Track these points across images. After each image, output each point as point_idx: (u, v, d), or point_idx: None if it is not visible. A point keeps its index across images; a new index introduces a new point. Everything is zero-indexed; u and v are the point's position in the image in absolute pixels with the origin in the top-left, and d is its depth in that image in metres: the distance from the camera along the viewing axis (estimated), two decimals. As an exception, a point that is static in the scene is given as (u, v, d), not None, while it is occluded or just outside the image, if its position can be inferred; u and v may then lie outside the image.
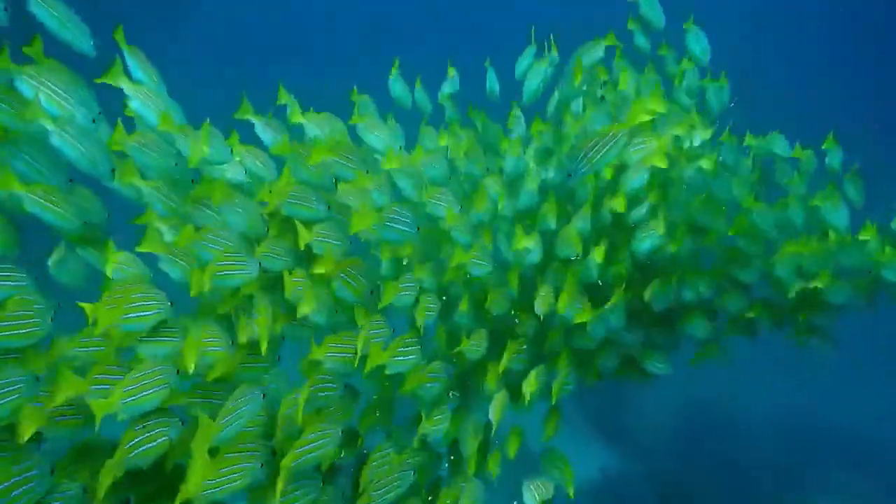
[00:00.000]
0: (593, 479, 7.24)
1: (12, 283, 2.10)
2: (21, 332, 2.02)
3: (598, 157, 2.76)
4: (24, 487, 1.82)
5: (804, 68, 15.21)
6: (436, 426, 2.80)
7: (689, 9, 3.77)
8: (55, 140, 2.24)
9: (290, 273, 2.54)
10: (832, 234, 3.38)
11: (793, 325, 3.84)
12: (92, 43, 2.41)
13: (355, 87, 3.36)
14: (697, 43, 3.72)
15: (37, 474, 1.87)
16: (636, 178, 3.09)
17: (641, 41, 3.82)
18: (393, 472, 2.58)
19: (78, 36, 2.38)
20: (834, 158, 3.89)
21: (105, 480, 1.97)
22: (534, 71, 3.52)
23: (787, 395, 8.57)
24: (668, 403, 8.02)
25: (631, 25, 3.79)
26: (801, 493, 7.32)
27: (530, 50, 3.63)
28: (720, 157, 3.58)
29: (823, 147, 3.88)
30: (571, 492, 3.10)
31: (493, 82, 3.78)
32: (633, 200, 3.28)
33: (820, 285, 3.33)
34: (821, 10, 15.67)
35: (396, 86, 3.62)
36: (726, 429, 8.02)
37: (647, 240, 3.20)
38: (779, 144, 3.87)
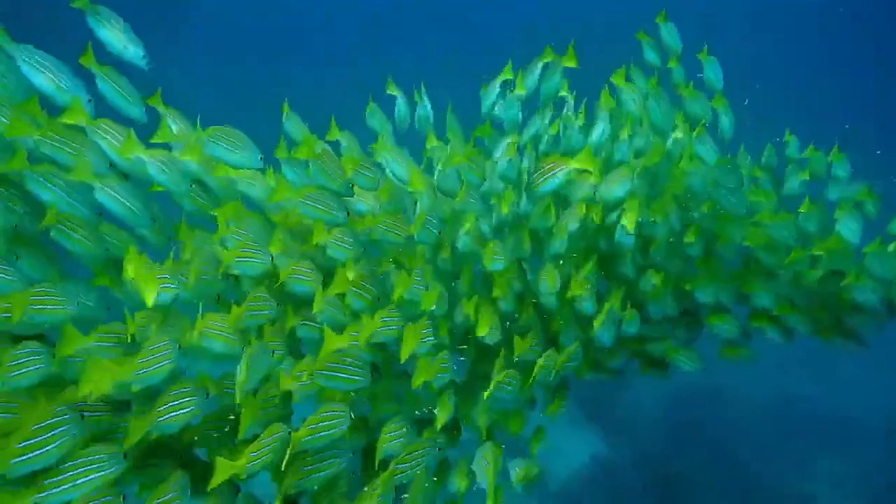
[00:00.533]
0: (585, 466, 7.27)
1: (8, 277, 2.23)
2: (48, 307, 2.17)
3: (540, 182, 3.03)
4: (59, 430, 1.93)
5: (804, 67, 15.23)
6: (445, 413, 2.87)
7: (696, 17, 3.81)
8: (99, 194, 2.43)
9: (293, 265, 2.62)
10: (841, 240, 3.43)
11: (821, 324, 3.79)
12: (144, 110, 2.67)
13: (371, 99, 3.40)
14: (713, 71, 3.83)
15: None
16: (615, 190, 3.18)
17: (651, 56, 3.83)
18: (417, 448, 2.67)
19: (132, 105, 2.64)
20: (840, 169, 3.89)
21: (133, 436, 2.07)
22: (510, 101, 3.52)
23: (777, 383, 8.64)
24: (659, 390, 8.06)
25: (640, 37, 3.82)
26: (787, 478, 7.39)
27: (495, 85, 3.59)
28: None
29: (830, 159, 3.87)
30: (533, 451, 3.23)
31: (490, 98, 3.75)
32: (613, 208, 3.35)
33: (851, 281, 3.34)
34: (821, 8, 15.69)
35: (400, 107, 3.62)
36: (715, 415, 8.08)
37: (621, 233, 3.20)
38: (791, 146, 3.89)
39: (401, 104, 3.58)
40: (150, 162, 2.53)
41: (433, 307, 2.88)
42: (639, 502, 6.73)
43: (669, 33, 3.79)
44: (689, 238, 3.40)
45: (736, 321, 3.66)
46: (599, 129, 3.46)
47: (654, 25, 3.83)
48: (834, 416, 8.41)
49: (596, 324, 3.20)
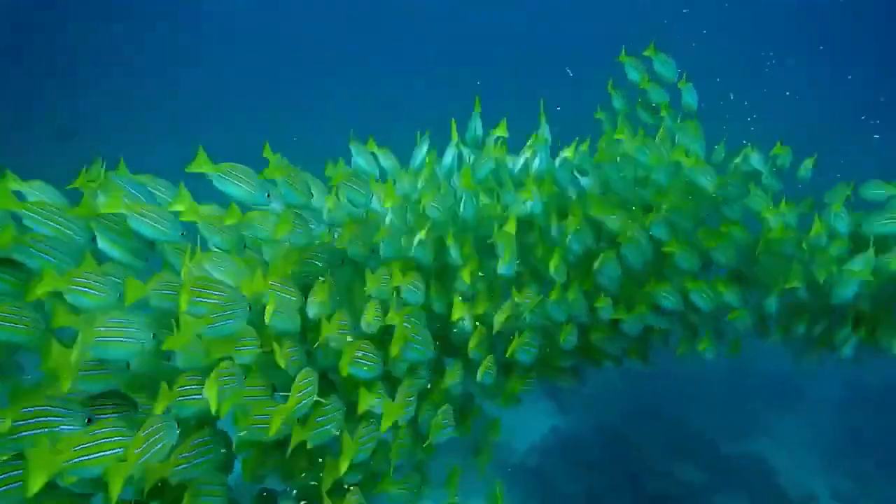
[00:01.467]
0: (545, 438, 7.59)
1: None
2: (17, 326, 2.22)
3: None
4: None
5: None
6: (417, 380, 3.15)
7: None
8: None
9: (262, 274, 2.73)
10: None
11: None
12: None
13: (350, 132, 3.54)
14: (690, 97, 4.10)
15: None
16: (532, 204, 3.46)
17: (634, 75, 4.06)
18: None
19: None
20: (804, 170, 4.13)
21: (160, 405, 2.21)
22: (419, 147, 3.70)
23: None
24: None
25: (623, 59, 4.04)
26: (741, 441, 7.79)
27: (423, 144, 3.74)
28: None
29: (802, 170, 4.10)
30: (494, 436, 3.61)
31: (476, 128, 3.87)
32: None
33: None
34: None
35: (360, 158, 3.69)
36: (669, 386, 8.27)
37: (574, 241, 3.52)
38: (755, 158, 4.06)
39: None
40: (132, 217, 2.55)
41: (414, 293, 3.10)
42: (598, 471, 7.01)
43: (662, 63, 4.04)
44: (673, 248, 3.64)
45: (750, 317, 3.96)
46: (538, 159, 3.69)
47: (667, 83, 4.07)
48: (788, 381, 8.73)
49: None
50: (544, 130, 3.73)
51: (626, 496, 6.63)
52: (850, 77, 14.67)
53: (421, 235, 3.12)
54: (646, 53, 4.04)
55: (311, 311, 2.82)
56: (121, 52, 15.30)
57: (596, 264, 3.60)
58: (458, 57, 16.42)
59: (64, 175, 2.63)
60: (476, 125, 3.73)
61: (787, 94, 13.95)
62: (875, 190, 3.82)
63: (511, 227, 3.33)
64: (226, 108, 14.16)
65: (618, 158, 3.76)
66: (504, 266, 3.28)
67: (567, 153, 3.67)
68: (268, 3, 17.10)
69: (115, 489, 1.97)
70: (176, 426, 2.25)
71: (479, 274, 3.36)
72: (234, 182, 2.70)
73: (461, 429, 3.46)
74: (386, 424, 2.79)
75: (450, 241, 3.27)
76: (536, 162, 3.62)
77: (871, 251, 3.59)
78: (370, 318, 2.87)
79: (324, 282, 2.83)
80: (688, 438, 7.64)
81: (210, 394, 2.28)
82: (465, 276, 3.25)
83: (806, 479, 7.26)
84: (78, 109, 13.24)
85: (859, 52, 15.04)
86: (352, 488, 2.81)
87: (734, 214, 3.84)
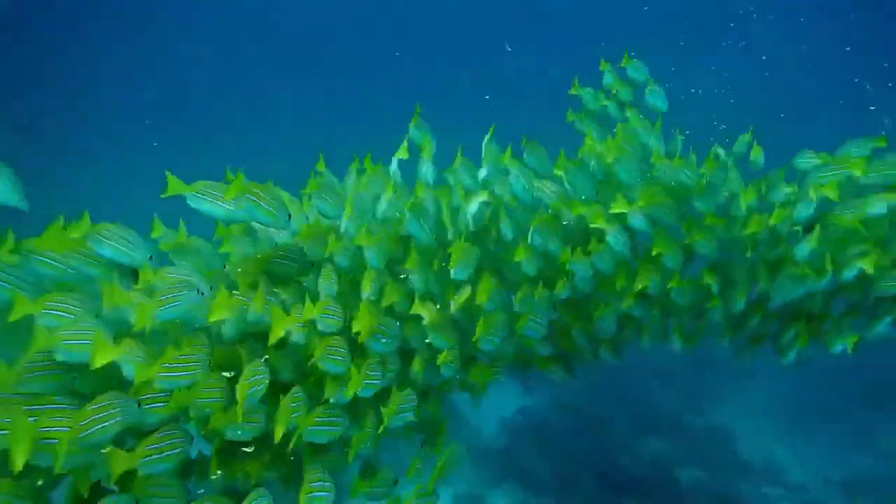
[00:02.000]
0: (514, 418, 7.75)
1: None
2: None
3: None
4: None
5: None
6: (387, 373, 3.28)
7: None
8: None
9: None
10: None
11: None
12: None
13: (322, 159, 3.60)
14: (659, 100, 4.16)
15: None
16: (470, 208, 3.57)
17: (610, 79, 4.17)
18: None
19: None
20: (757, 157, 4.16)
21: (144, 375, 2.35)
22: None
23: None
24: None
25: (603, 67, 4.16)
26: (705, 413, 8.08)
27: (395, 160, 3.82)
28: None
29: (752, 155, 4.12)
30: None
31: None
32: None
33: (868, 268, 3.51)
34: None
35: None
36: (633, 362, 8.38)
37: (535, 236, 3.59)
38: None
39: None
40: (93, 239, 2.62)
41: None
42: (566, 447, 7.19)
43: (635, 69, 4.17)
44: (660, 248, 3.68)
45: (723, 309, 4.03)
46: (484, 171, 3.71)
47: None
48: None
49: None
50: (490, 143, 3.72)
51: (594, 474, 6.76)
52: (848, 49, 14.49)
53: (362, 242, 3.19)
54: (622, 65, 4.16)
55: (249, 318, 2.87)
56: (89, 49, 15.35)
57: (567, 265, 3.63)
58: (455, 57, 16.52)
59: (25, 167, 2.68)
60: (414, 135, 3.80)
61: (763, 58, 13.93)
62: (807, 160, 3.79)
63: (462, 242, 3.40)
64: (194, 109, 14.29)
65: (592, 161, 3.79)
66: (456, 271, 3.36)
67: (401, 154, 3.68)
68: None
69: (60, 455, 2.13)
70: (134, 404, 2.35)
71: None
72: (208, 200, 2.73)
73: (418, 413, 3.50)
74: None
75: (411, 261, 3.35)
76: (483, 171, 3.67)
77: (812, 237, 3.59)
78: (318, 313, 2.93)
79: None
80: (651, 409, 7.85)
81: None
82: (411, 264, 3.35)
83: (765, 446, 7.49)
84: (41, 106, 13.32)
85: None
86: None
87: (709, 207, 3.82)
